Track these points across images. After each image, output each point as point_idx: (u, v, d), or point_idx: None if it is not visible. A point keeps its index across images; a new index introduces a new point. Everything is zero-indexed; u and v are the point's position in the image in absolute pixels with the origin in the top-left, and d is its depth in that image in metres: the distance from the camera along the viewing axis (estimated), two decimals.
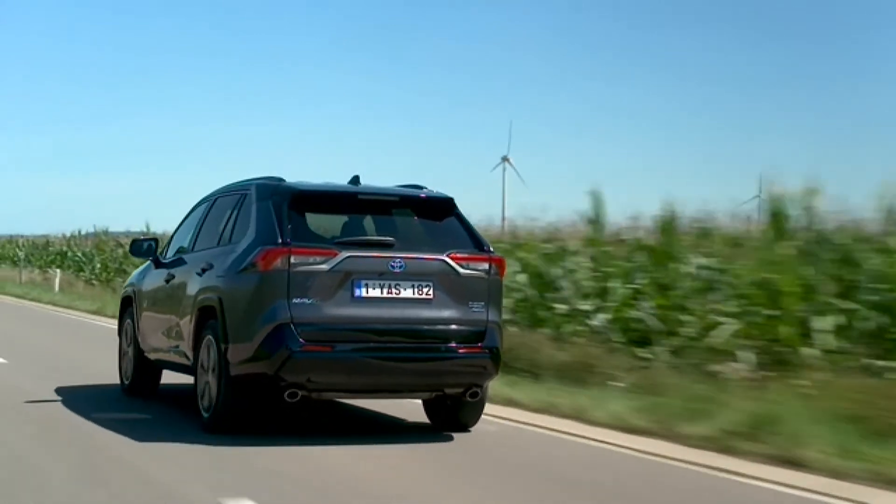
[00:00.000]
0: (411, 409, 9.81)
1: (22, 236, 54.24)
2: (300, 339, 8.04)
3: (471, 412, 9.06)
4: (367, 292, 8.24)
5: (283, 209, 8.46)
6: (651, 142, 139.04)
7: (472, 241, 8.78)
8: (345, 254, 8.21)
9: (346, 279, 8.19)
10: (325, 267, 8.15)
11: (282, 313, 8.06)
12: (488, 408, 9.35)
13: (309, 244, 8.27)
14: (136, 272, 11.70)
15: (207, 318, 8.76)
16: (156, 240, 11.19)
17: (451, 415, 9.09)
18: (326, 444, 8.28)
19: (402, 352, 8.40)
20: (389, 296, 8.29)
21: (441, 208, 8.97)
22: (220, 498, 6.40)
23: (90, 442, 8.32)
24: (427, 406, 9.33)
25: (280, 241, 8.21)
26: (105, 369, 12.22)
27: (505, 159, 67.99)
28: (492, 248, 8.88)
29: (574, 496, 6.97)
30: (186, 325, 9.21)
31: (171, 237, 11.01)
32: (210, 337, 8.65)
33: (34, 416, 9.44)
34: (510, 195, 59.54)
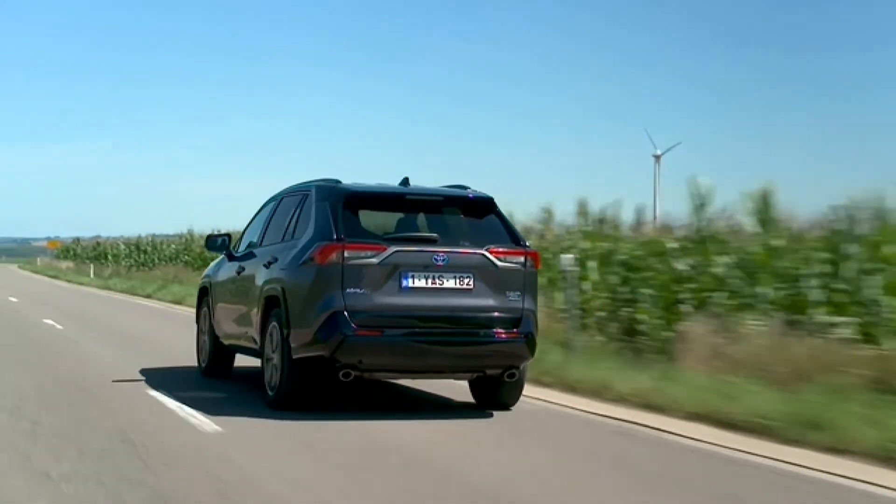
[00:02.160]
0: (457, 390, 10.74)
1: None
2: (353, 325, 8.97)
3: (510, 392, 9.97)
4: (414, 283, 9.14)
5: (338, 208, 9.40)
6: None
7: (510, 236, 9.64)
8: (393, 248, 9.12)
9: (395, 271, 9.09)
10: (375, 260, 9.07)
11: (336, 302, 9.00)
12: None
13: (361, 240, 9.18)
14: (211, 265, 12.81)
15: (272, 306, 9.74)
16: (229, 236, 12.25)
17: (493, 395, 10.01)
18: (381, 419, 9.22)
19: (445, 336, 9.28)
20: (434, 286, 9.18)
21: (482, 207, 9.82)
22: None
23: None
24: (472, 387, 10.27)
25: (335, 237, 9.14)
26: None
27: (656, 157, 67.66)
28: (527, 243, 9.75)
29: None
30: (254, 312, 10.22)
31: (243, 233, 12.05)
32: (274, 323, 9.63)
33: None
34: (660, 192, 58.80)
